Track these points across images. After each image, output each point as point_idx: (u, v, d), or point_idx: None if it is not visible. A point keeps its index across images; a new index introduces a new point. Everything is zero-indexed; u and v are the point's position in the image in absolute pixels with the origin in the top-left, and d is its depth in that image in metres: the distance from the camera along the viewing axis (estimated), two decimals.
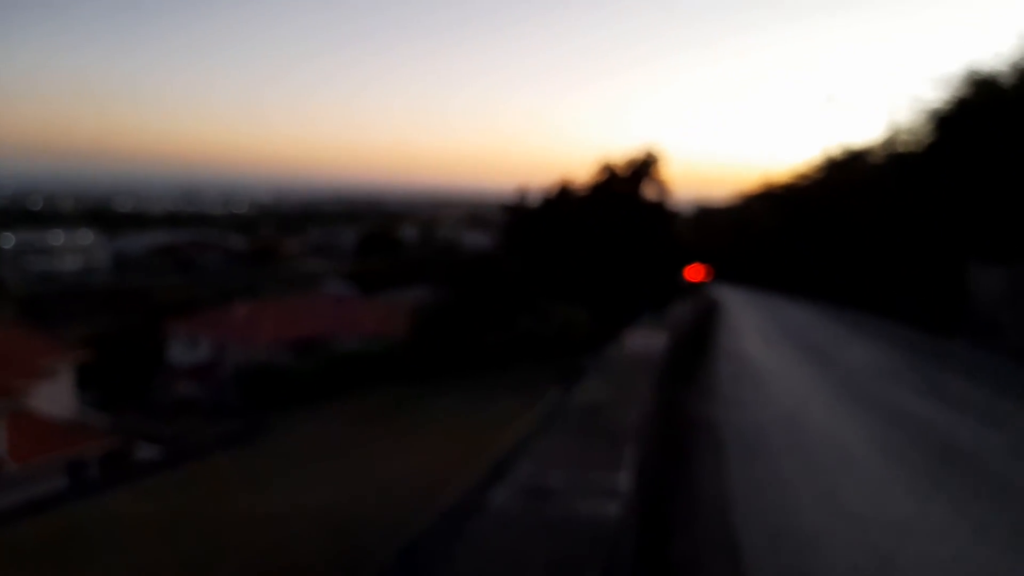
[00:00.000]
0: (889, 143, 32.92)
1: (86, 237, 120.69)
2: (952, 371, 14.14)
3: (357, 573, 9.99)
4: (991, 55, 24.21)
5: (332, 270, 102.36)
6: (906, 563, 5.01)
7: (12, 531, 19.57)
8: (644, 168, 36.43)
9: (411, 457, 17.26)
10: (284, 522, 14.72)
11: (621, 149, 49.29)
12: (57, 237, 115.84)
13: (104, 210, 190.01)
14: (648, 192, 36.25)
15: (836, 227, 36.47)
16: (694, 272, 46.19)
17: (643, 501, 5.46)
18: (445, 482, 11.78)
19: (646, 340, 8.38)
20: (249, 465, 23.05)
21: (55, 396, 25.86)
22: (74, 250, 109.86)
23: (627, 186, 35.97)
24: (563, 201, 36.05)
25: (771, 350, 16.45)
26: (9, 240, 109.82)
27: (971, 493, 6.66)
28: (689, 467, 7.00)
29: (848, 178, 37.46)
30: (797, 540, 5.34)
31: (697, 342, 15.56)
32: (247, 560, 12.27)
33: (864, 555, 5.13)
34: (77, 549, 16.80)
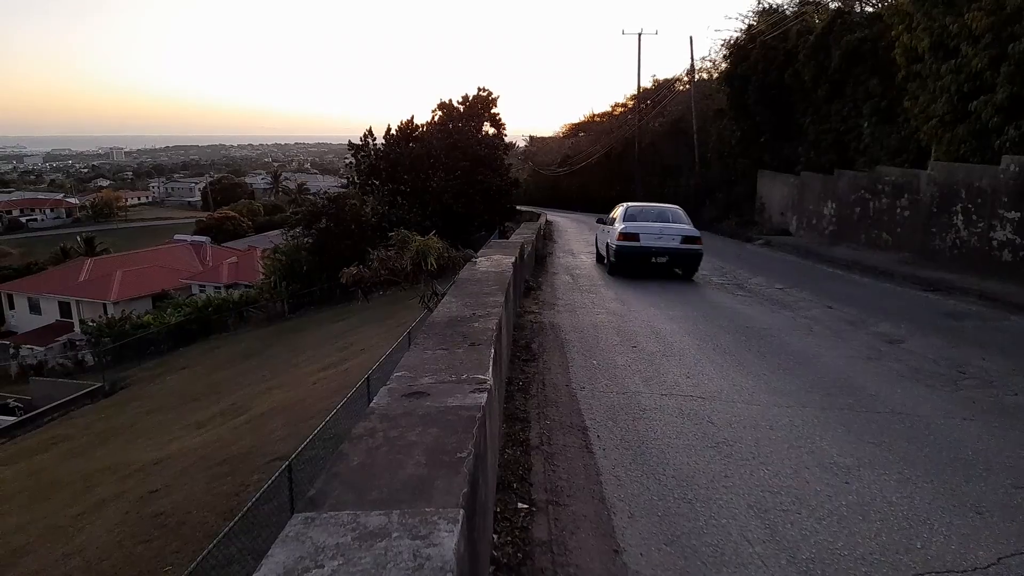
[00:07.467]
0: (692, 71, 34.71)
1: None
2: (748, 268, 15.59)
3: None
4: None
5: (181, 221, 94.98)
6: (721, 422, 5.65)
7: None
8: (479, 106, 36.53)
9: (279, 393, 16.85)
10: (153, 465, 14.01)
11: (459, 92, 49.04)
12: None
13: None
14: (484, 127, 36.43)
15: (652, 151, 38.34)
16: (530, 199, 46.98)
17: (504, 394, 5.75)
18: (326, 402, 11.66)
19: (493, 260, 8.62)
20: (108, 420, 21.52)
21: None
22: None
23: (465, 123, 35.95)
24: (407, 139, 35.40)
25: (601, 263, 17.32)
26: None
27: (768, 365, 7.53)
28: (539, 364, 7.39)
29: (655, 105, 39.27)
30: (632, 415, 5.85)
31: (536, 259, 16.12)
32: (130, 506, 11.64)
33: (687, 421, 5.72)
34: None
